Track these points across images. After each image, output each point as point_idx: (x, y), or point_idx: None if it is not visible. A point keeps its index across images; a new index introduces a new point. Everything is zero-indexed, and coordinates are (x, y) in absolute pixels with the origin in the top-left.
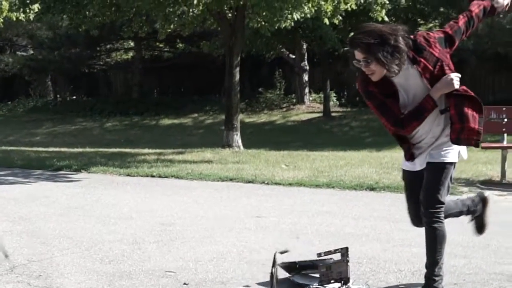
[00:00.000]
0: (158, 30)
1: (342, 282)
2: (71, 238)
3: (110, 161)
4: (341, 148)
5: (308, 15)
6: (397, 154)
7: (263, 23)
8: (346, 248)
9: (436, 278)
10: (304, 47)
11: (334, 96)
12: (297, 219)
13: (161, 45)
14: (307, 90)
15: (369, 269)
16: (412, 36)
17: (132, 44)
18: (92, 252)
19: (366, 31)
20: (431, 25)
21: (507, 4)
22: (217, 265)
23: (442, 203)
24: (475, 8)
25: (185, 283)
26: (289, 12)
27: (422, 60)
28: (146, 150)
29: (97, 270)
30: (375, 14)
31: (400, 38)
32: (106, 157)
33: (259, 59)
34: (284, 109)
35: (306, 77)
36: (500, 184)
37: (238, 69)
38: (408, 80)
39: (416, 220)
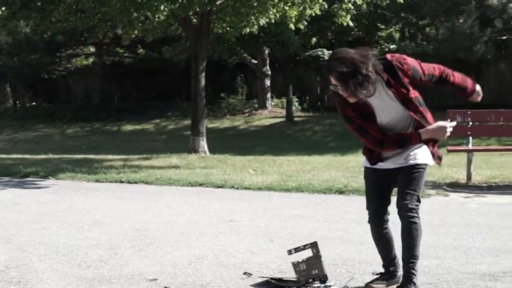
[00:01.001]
0: (120, 36)
1: (320, 281)
2: (46, 244)
3: (76, 167)
4: (305, 153)
5: (273, 20)
6: (362, 158)
7: (228, 28)
8: (315, 243)
9: (415, 273)
10: (266, 52)
11: (296, 101)
12: (269, 222)
13: (121, 51)
14: (269, 95)
15: (345, 271)
16: (388, 56)
17: (92, 49)
18: (70, 258)
19: (339, 58)
20: (391, 29)
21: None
22: (195, 268)
23: (420, 201)
24: (458, 79)
25: (165, 287)
26: (255, 17)
27: (395, 83)
28: (111, 156)
29: (77, 276)
30: (340, 20)
31: (371, 66)
32: (72, 164)
33: (220, 64)
34: (247, 114)
35: (268, 82)
36: (466, 186)
37: (203, 74)
38: (384, 101)
39: (376, 218)
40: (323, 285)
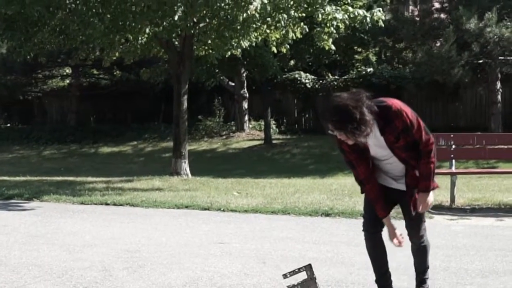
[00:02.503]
0: (98, 58)
1: None
2: (39, 266)
3: (59, 189)
4: (285, 175)
5: (254, 43)
6: (344, 180)
7: (210, 51)
8: (310, 265)
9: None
10: (244, 74)
11: (274, 124)
12: (259, 244)
13: (98, 73)
14: (246, 117)
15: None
16: (388, 103)
17: (68, 71)
18: (65, 280)
19: (333, 106)
20: (368, 52)
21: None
22: None
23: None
24: (427, 169)
25: None
26: (237, 40)
27: (388, 131)
28: (92, 179)
29: None
30: (322, 43)
31: (365, 109)
32: (54, 186)
33: (198, 87)
34: (224, 137)
35: (245, 105)
36: (450, 209)
37: (186, 97)
38: (378, 140)
39: (373, 224)
40: None
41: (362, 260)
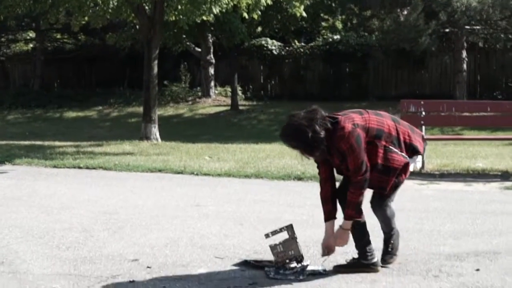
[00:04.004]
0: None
1: (297, 261)
2: (20, 227)
3: (30, 153)
4: (252, 141)
5: (225, 9)
6: None
7: (181, 16)
8: (291, 226)
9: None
10: (210, 40)
11: (240, 90)
12: (235, 207)
13: (62, 37)
14: (212, 83)
15: (317, 252)
16: (341, 123)
17: (31, 35)
18: (47, 240)
19: (288, 124)
20: (335, 19)
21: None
22: (173, 250)
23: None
24: (353, 198)
25: (148, 267)
26: (208, 6)
27: (334, 153)
28: (61, 143)
29: (58, 256)
30: (294, 10)
31: (317, 126)
32: (24, 149)
33: (163, 52)
34: (190, 103)
35: (211, 71)
36: (420, 174)
37: (156, 62)
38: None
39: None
40: (300, 264)
41: (336, 222)
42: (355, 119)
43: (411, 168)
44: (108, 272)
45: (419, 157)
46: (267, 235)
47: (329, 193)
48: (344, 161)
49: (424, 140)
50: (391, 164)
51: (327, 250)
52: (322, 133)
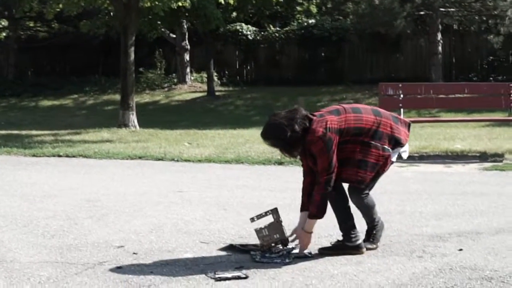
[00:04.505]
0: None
1: (282, 244)
2: (3, 216)
3: (8, 142)
4: (230, 127)
5: None
6: None
7: (156, 2)
8: (276, 209)
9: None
10: (185, 26)
11: (215, 76)
12: (217, 192)
13: (35, 25)
14: (188, 69)
15: None
16: (313, 125)
17: (3, 23)
18: (31, 228)
19: (269, 124)
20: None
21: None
22: (158, 236)
23: None
24: (316, 200)
25: (134, 253)
26: None
27: (308, 153)
28: (38, 132)
29: (43, 244)
30: None
31: (296, 126)
32: (2, 139)
33: (138, 39)
34: (166, 89)
35: (187, 57)
36: (399, 156)
37: (133, 49)
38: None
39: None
40: (285, 247)
41: None
42: (328, 122)
43: (393, 159)
44: (94, 259)
45: (406, 147)
46: (252, 219)
47: (307, 186)
48: (315, 163)
49: (409, 128)
50: (369, 158)
51: (299, 240)
52: (299, 133)
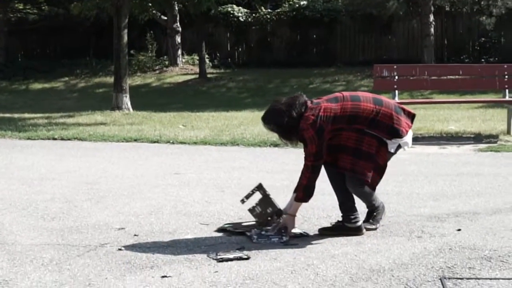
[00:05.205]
0: None
1: (277, 215)
2: (2, 199)
3: (2, 125)
4: (222, 109)
5: None
6: None
7: None
8: (260, 184)
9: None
10: (177, 8)
11: (207, 58)
12: (215, 174)
13: (26, 7)
14: (179, 52)
15: (300, 216)
16: (306, 114)
17: None
18: (31, 211)
19: (269, 110)
20: None
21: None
22: (158, 218)
23: None
24: (302, 182)
25: (135, 235)
26: None
27: (300, 135)
28: (31, 115)
29: (44, 227)
30: None
31: (294, 113)
32: None
33: (129, 21)
34: (158, 72)
35: (178, 39)
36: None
37: (126, 31)
38: None
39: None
40: (280, 219)
41: (317, 187)
42: (322, 110)
43: (392, 150)
44: (96, 241)
45: (407, 139)
46: (242, 201)
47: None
48: (306, 148)
49: (413, 119)
50: (364, 147)
51: (282, 222)
52: (296, 120)
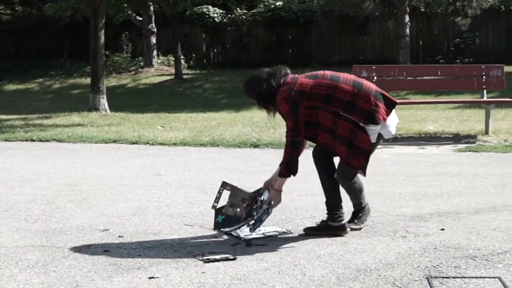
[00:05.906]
0: None
1: (255, 200)
2: None
3: None
4: (199, 110)
5: None
6: (263, 114)
7: None
8: (224, 182)
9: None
10: (152, 9)
11: (183, 59)
12: (196, 175)
13: (0, 8)
14: (155, 52)
15: (284, 217)
16: (282, 88)
17: None
18: (13, 213)
19: (250, 78)
20: None
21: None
22: (141, 219)
23: None
24: (285, 156)
25: (120, 236)
26: None
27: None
28: (7, 116)
29: (27, 229)
30: None
31: (273, 81)
32: None
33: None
34: (133, 72)
35: (153, 40)
36: (381, 137)
37: (103, 31)
38: None
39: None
40: (260, 199)
41: (299, 188)
42: (297, 84)
43: (373, 139)
44: (80, 243)
45: (389, 128)
46: (213, 206)
47: None
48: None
49: (392, 107)
50: (339, 130)
51: (269, 197)
52: (274, 88)
